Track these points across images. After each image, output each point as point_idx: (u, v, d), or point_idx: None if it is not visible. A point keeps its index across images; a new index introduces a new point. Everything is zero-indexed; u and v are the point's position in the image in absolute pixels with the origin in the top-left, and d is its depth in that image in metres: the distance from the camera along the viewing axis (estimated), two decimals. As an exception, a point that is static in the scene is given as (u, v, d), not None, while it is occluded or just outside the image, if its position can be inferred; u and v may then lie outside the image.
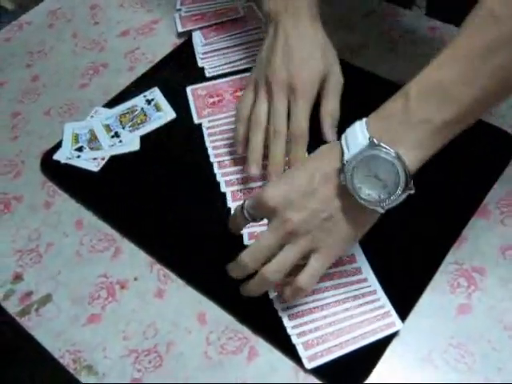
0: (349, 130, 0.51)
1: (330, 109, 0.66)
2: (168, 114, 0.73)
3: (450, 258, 0.59)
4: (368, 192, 0.50)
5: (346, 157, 0.49)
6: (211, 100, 0.75)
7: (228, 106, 0.73)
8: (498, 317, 0.55)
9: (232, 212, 0.59)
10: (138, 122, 0.72)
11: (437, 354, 0.53)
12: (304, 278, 0.52)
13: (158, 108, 0.74)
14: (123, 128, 0.72)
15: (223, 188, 0.65)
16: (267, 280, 0.52)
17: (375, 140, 0.48)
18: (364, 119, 0.51)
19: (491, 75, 0.46)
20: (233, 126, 0.67)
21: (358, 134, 0.50)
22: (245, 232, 0.60)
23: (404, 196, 0.49)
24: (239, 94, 0.74)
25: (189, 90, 0.76)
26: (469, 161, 0.65)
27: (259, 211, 0.54)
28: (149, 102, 0.75)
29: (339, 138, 0.52)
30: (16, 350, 1.27)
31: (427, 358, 0.53)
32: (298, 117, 0.63)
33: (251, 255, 0.52)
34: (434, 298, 0.56)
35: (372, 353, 0.53)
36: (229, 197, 0.65)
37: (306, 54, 0.64)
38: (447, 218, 0.61)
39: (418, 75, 0.49)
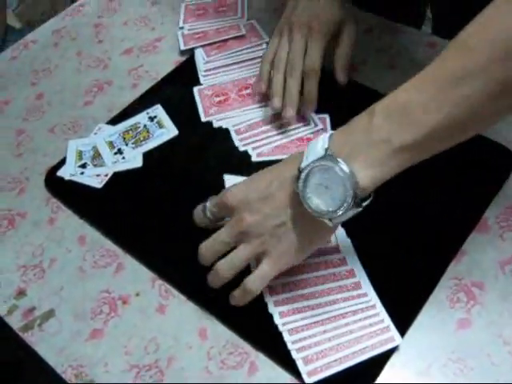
0: (313, 141, 0.52)
1: (344, 52, 0.73)
2: (171, 130, 0.74)
3: (449, 272, 0.59)
4: (317, 202, 0.50)
5: (303, 164, 0.50)
6: (217, 99, 0.77)
7: (233, 104, 0.76)
8: (497, 331, 0.55)
9: (194, 212, 0.61)
10: (141, 138, 0.73)
11: (436, 368, 0.53)
12: (251, 280, 0.53)
13: (160, 125, 0.75)
14: (126, 145, 0.73)
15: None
16: (220, 275, 0.55)
17: (331, 152, 0.49)
18: (331, 132, 0.52)
19: (457, 104, 0.46)
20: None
21: (319, 145, 0.50)
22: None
23: (352, 213, 0.50)
24: (244, 92, 0.77)
25: (195, 90, 0.79)
26: (468, 176, 0.65)
27: (219, 210, 0.57)
28: (151, 118, 0.76)
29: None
30: (19, 365, 1.27)
31: (426, 373, 0.53)
32: (312, 52, 0.70)
33: (208, 248, 0.56)
34: (433, 313, 0.56)
35: (371, 368, 0.53)
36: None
37: (328, 3, 0.72)
38: (446, 233, 0.61)
39: (388, 96, 0.49)
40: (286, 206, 0.52)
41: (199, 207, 0.60)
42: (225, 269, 0.54)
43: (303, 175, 0.50)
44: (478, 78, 0.45)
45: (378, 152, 0.48)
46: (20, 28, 1.39)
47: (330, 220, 0.50)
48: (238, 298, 0.55)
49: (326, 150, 0.49)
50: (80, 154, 0.73)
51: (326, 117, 0.73)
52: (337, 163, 0.48)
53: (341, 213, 0.49)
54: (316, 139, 0.51)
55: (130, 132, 0.74)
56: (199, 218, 0.60)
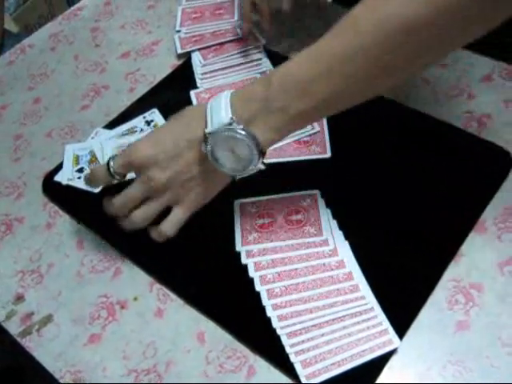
0: (214, 102, 0.56)
1: None
2: None
3: (447, 274, 0.59)
4: (225, 162, 0.56)
5: (208, 129, 0.55)
6: None
7: None
8: (496, 333, 0.55)
9: (91, 169, 0.64)
10: None
11: (435, 370, 0.53)
12: (166, 225, 0.59)
13: None
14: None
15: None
16: (134, 224, 0.60)
17: (235, 120, 0.53)
18: (229, 94, 0.56)
19: (343, 79, 0.51)
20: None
21: (222, 111, 0.54)
22: (250, 262, 0.61)
23: (256, 170, 0.56)
24: None
25: (192, 93, 0.79)
26: (466, 177, 0.65)
27: (126, 167, 0.59)
28: (148, 122, 0.76)
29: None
30: (20, 371, 1.27)
31: (426, 375, 0.53)
32: None
33: (120, 202, 0.59)
34: (432, 315, 0.56)
35: (370, 370, 0.53)
36: (237, 214, 0.65)
37: None
38: (445, 235, 0.61)
39: (282, 66, 0.54)
40: (196, 163, 0.57)
41: (101, 167, 0.60)
42: (139, 218, 0.59)
43: (210, 141, 0.54)
44: (361, 57, 0.50)
45: (276, 119, 0.53)
46: (17, 32, 1.39)
47: (235, 176, 0.57)
48: (155, 237, 0.60)
49: (231, 118, 0.53)
50: (77, 159, 0.73)
51: (323, 119, 0.72)
52: (239, 131, 0.53)
53: (247, 171, 0.56)
54: (217, 100, 0.55)
55: (128, 136, 0.74)
56: (103, 177, 0.60)
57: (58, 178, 0.71)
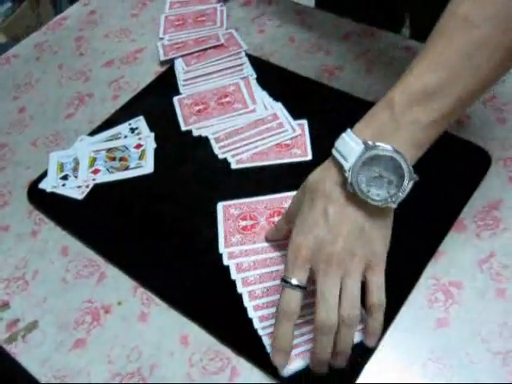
0: (338, 144, 0.52)
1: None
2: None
3: (427, 272, 0.60)
4: (377, 192, 0.51)
5: (347, 167, 0.51)
6: (197, 108, 0.78)
7: (213, 112, 0.77)
8: (475, 330, 0.55)
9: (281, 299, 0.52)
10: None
11: (416, 368, 0.54)
12: (376, 294, 0.52)
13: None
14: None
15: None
16: (351, 321, 0.50)
17: (370, 142, 0.50)
18: (348, 130, 0.52)
19: (471, 76, 0.50)
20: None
21: (351, 143, 0.51)
22: (232, 263, 0.61)
23: (411, 185, 0.51)
24: (223, 100, 0.78)
25: (175, 99, 0.79)
26: (444, 176, 0.66)
27: (304, 269, 0.51)
28: (132, 130, 0.77)
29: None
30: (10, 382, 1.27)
31: (406, 373, 0.53)
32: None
33: (326, 311, 0.50)
34: (411, 314, 0.57)
35: (350, 369, 0.53)
36: (220, 216, 0.66)
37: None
38: (424, 233, 0.62)
39: (399, 85, 0.52)
40: (352, 214, 0.51)
41: (292, 297, 0.51)
42: (352, 311, 0.50)
43: (354, 175, 0.50)
44: (486, 49, 0.50)
45: (411, 132, 0.51)
46: (5, 42, 1.39)
47: (394, 202, 0.51)
48: (378, 320, 0.52)
49: (364, 142, 0.50)
50: (61, 166, 0.73)
51: (305, 123, 0.73)
52: (380, 148, 0.50)
53: (403, 189, 0.51)
54: (341, 141, 0.52)
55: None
56: (299, 301, 0.51)
57: (42, 185, 0.72)
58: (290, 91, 0.78)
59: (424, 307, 0.57)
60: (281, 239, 0.61)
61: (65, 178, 0.72)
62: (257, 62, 0.83)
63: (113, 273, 0.64)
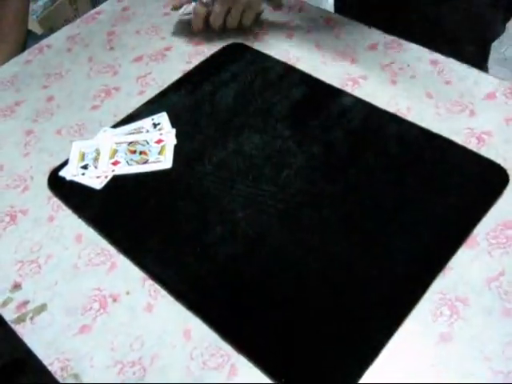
0: None
1: None
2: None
3: (434, 286, 0.59)
4: None
5: None
6: None
7: None
8: (479, 347, 0.55)
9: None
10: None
11: (416, 381, 0.53)
12: None
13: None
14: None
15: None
16: None
17: None
18: None
19: None
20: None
21: None
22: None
23: None
24: None
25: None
26: (460, 191, 0.66)
27: None
28: (155, 125, 0.78)
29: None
30: (21, 363, 1.29)
31: (404, 384, 0.53)
32: None
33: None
34: (415, 326, 0.57)
35: (350, 377, 0.54)
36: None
37: None
38: (435, 247, 0.62)
39: None
40: None
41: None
42: None
43: None
44: None
45: None
46: (41, 34, 1.42)
47: None
48: None
49: None
50: (82, 156, 0.75)
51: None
52: None
53: None
54: None
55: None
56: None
57: (62, 173, 0.74)
58: (313, 97, 0.78)
59: (428, 321, 0.57)
60: None
61: (85, 167, 0.73)
62: (282, 66, 0.84)
63: (123, 263, 0.65)
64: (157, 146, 0.75)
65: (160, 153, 0.74)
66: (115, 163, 0.73)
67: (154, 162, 0.73)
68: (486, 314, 0.57)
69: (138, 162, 0.73)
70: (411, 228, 0.63)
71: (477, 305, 0.58)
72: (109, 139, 0.76)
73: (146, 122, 0.79)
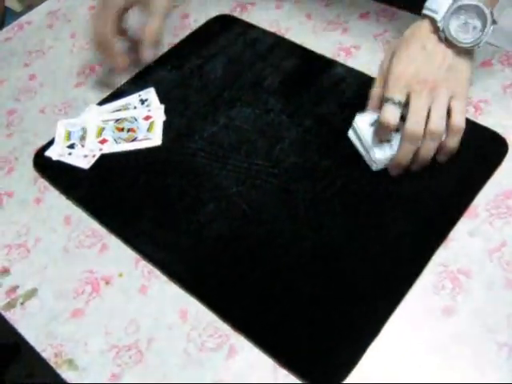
0: (428, 3, 0.62)
1: (151, 28, 0.75)
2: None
3: (436, 258, 0.58)
4: (464, 37, 0.61)
5: (438, 17, 0.60)
6: None
7: None
8: (481, 319, 0.54)
9: (381, 121, 0.61)
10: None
11: (419, 355, 0.52)
12: (456, 118, 0.61)
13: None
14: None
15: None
16: (435, 134, 0.60)
17: None
18: None
19: None
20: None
21: (439, 0, 0.61)
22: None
23: (491, 29, 0.60)
24: None
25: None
26: (458, 162, 0.64)
27: (398, 86, 0.61)
28: (142, 101, 0.75)
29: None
30: (15, 349, 1.28)
31: (409, 359, 0.52)
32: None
33: (416, 121, 0.60)
34: (417, 299, 0.55)
35: (353, 352, 0.52)
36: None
37: None
38: (435, 219, 0.60)
39: None
40: (443, 52, 0.61)
41: (387, 109, 0.61)
42: (438, 124, 0.60)
43: (445, 22, 0.60)
44: None
45: None
46: (20, 11, 1.38)
47: (479, 44, 0.61)
48: (452, 142, 0.62)
49: None
50: (68, 135, 0.72)
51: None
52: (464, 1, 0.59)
53: (485, 33, 0.60)
54: (430, 1, 0.62)
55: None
56: (390, 121, 0.60)
57: (48, 153, 0.71)
58: (304, 68, 0.76)
59: (431, 294, 0.56)
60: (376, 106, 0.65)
61: (71, 146, 0.71)
62: (272, 38, 0.81)
63: (115, 244, 0.63)
64: (145, 122, 0.73)
65: (149, 130, 0.72)
66: (103, 141, 0.71)
67: (143, 140, 0.71)
68: (489, 286, 0.56)
69: (126, 140, 0.71)
70: (410, 200, 0.62)
71: (479, 277, 0.57)
72: (95, 117, 0.74)
73: (133, 99, 0.76)
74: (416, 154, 0.61)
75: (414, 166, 0.63)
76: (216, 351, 0.54)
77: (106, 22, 0.73)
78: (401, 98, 0.60)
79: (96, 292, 0.60)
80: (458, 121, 0.61)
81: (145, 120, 0.73)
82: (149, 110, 0.74)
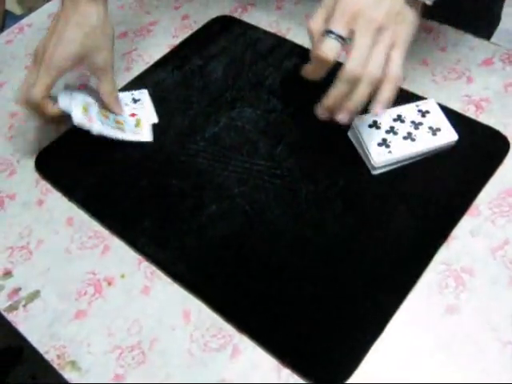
0: None
1: (105, 90, 0.71)
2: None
3: (438, 257, 0.58)
4: None
5: None
6: None
7: None
8: (485, 318, 0.54)
9: (313, 43, 0.59)
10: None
11: (423, 354, 0.52)
12: (392, 67, 0.57)
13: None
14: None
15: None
16: (371, 79, 0.56)
17: None
18: None
19: None
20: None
21: None
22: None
23: None
24: None
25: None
26: (461, 160, 0.64)
27: (343, 20, 0.56)
28: (135, 100, 0.75)
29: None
30: (18, 351, 1.28)
31: (413, 358, 0.52)
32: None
33: (357, 60, 0.56)
34: (420, 298, 0.55)
35: (356, 351, 0.52)
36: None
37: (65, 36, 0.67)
38: (438, 217, 0.60)
39: None
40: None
41: (319, 37, 0.57)
42: (377, 69, 0.56)
43: None
44: None
45: None
46: (21, 14, 1.38)
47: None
48: (389, 92, 0.58)
49: None
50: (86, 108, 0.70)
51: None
52: None
53: None
54: None
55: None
56: (324, 52, 0.56)
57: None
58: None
59: (434, 293, 0.56)
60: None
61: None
62: (272, 38, 0.81)
63: (117, 245, 0.63)
64: (132, 119, 0.73)
65: (136, 125, 0.72)
66: (90, 120, 0.68)
67: (133, 133, 0.71)
68: (492, 285, 0.56)
69: (113, 128, 0.70)
70: (412, 199, 0.62)
71: (482, 275, 0.57)
72: (80, 98, 0.71)
73: (125, 96, 0.76)
74: (346, 99, 0.58)
75: (342, 113, 0.59)
76: (219, 351, 0.54)
77: (42, 86, 0.66)
78: (343, 32, 0.56)
79: (99, 293, 0.60)
80: (396, 70, 0.57)
81: (131, 117, 0.73)
82: (134, 108, 0.74)
